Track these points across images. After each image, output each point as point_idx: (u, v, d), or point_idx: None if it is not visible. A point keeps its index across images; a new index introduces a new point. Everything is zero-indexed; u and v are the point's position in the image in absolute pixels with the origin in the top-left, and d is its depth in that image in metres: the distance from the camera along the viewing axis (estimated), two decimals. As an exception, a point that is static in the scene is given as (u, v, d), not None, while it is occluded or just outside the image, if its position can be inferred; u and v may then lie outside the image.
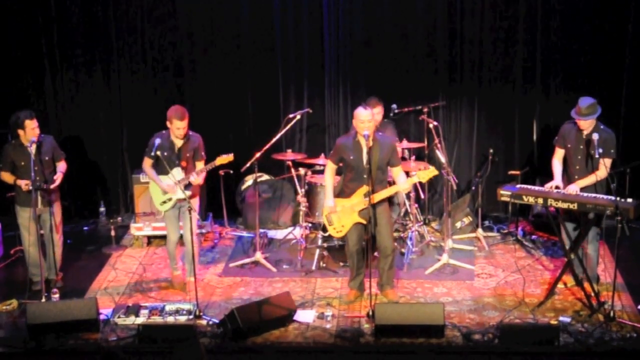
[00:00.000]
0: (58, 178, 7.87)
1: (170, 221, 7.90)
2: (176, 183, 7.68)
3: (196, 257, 7.81)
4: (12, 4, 9.69)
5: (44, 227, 7.88)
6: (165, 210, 7.85)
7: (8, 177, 7.79)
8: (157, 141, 7.70)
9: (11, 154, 7.76)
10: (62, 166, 8.00)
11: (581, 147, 7.49)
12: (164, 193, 7.80)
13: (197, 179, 7.75)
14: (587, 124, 7.40)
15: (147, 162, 7.82)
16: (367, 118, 7.23)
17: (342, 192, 7.52)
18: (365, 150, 7.29)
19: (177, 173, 7.75)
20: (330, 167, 7.57)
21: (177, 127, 7.60)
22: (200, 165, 7.87)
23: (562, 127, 7.69)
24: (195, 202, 7.91)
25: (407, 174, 7.91)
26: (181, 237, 7.93)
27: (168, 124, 7.67)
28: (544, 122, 9.57)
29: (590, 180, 7.37)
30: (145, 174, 8.13)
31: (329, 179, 7.58)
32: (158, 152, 7.67)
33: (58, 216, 8.04)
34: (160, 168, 7.77)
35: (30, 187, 7.54)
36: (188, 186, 7.75)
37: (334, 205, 7.49)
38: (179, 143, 7.76)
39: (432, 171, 7.40)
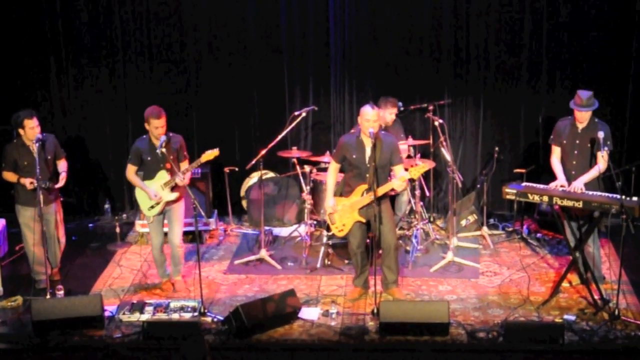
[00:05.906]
0: (63, 178, 7.87)
1: (154, 226, 7.83)
2: (162, 186, 7.67)
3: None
4: (17, 2, 9.70)
5: (47, 225, 7.83)
6: (153, 215, 7.78)
7: (11, 177, 7.75)
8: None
9: (14, 153, 7.71)
10: (63, 165, 8.00)
11: (577, 142, 7.48)
12: (151, 198, 7.74)
13: (184, 179, 7.67)
14: (586, 116, 7.40)
15: (131, 170, 7.74)
16: (373, 117, 7.21)
17: (344, 191, 7.52)
18: (368, 148, 7.27)
19: (163, 175, 7.71)
20: (333, 166, 7.56)
21: (156, 126, 7.51)
22: (184, 165, 7.80)
23: (557, 125, 7.69)
24: (181, 205, 7.85)
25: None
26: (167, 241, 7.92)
27: (146, 125, 7.58)
28: (549, 120, 9.52)
29: (592, 174, 7.36)
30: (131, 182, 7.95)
31: (330, 178, 7.57)
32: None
33: (60, 213, 8.07)
34: (146, 172, 7.74)
35: (35, 185, 7.52)
36: (175, 187, 7.71)
37: (334, 204, 7.49)
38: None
39: (422, 167, 7.35)
